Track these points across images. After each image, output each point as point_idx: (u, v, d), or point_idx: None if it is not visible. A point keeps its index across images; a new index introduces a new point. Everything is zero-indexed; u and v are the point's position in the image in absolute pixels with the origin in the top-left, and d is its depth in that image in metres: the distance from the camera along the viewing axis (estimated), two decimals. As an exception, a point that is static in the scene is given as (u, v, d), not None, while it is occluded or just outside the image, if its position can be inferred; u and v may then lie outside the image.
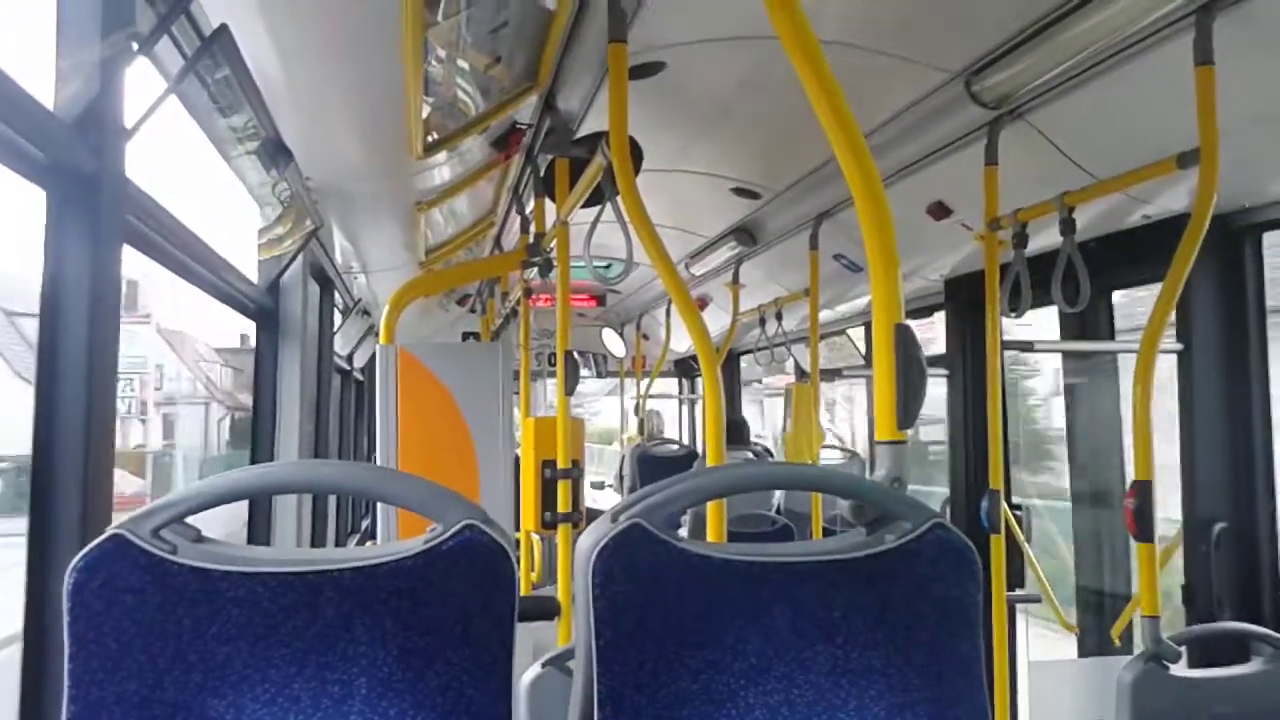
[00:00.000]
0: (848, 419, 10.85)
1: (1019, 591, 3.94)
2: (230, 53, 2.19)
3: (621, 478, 8.44)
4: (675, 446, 8.47)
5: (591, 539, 1.30)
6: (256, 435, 3.73)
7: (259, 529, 3.66)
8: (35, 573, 1.65)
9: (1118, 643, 3.64)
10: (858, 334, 6.66)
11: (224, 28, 2.09)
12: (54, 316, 1.69)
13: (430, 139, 3.06)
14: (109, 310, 1.77)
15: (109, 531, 1.18)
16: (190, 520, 1.22)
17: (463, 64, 2.80)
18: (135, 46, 1.84)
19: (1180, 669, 2.55)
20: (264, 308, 3.62)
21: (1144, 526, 2.64)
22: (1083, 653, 4.17)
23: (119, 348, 1.83)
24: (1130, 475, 2.75)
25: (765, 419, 11.50)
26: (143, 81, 1.98)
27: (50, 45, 1.73)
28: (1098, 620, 4.17)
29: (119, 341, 1.82)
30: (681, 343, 7.96)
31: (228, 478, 1.26)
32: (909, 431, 1.58)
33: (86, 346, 1.69)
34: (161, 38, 1.91)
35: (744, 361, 8.64)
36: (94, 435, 1.69)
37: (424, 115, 2.81)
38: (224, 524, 1.28)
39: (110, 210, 1.79)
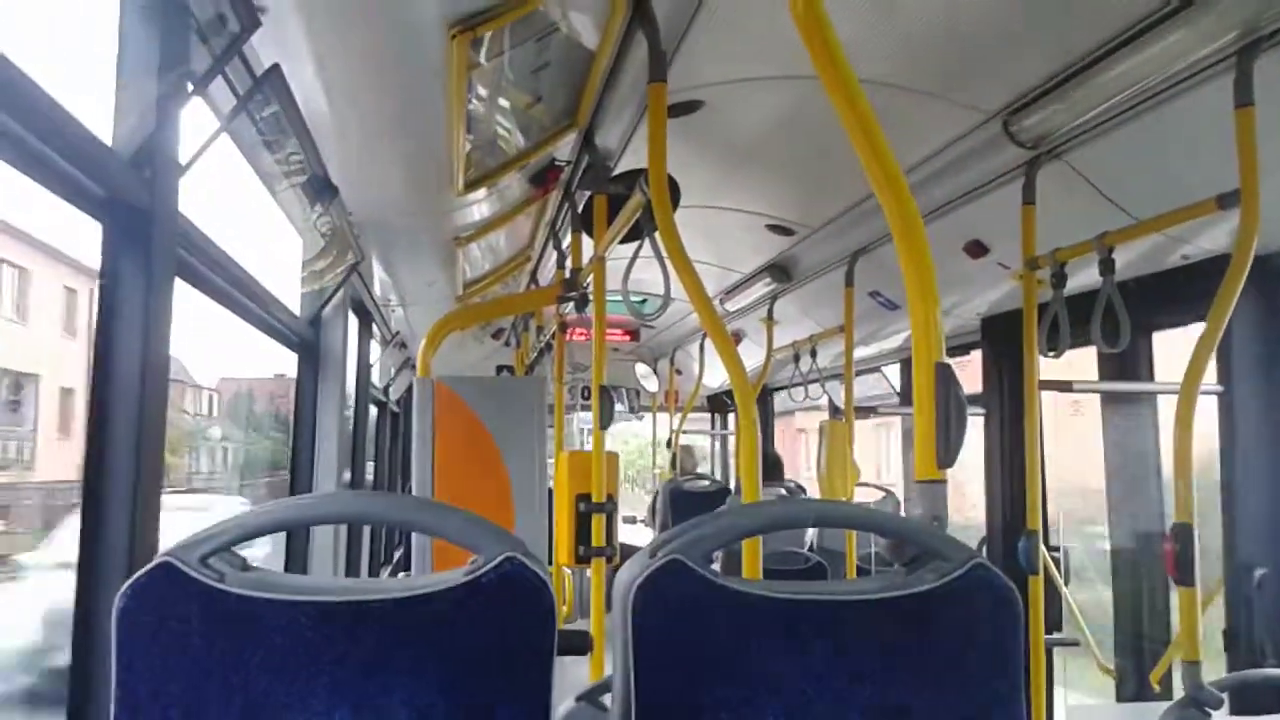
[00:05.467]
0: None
1: (1057, 635, 3.89)
2: (281, 91, 2.24)
3: (654, 512, 8.42)
4: (707, 482, 8.44)
5: (631, 573, 1.31)
6: (295, 466, 3.77)
7: (296, 558, 3.69)
8: (84, 597, 1.67)
9: (1157, 688, 3.58)
10: (891, 370, 6.63)
11: (276, 67, 2.14)
12: (107, 346, 1.73)
13: (470, 176, 3.10)
14: (161, 341, 1.80)
15: (158, 559, 1.20)
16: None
17: (504, 103, 2.85)
18: (190, 86, 1.89)
19: (1222, 716, 2.51)
20: (305, 340, 3.67)
21: (1184, 570, 2.61)
22: (1121, 698, 4.10)
23: (169, 377, 1.86)
24: (1170, 517, 2.72)
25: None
26: (195, 118, 2.03)
27: (110, 84, 1.78)
28: (1136, 664, 4.11)
29: (169, 371, 1.86)
30: (714, 378, 7.96)
31: (275, 508, 1.28)
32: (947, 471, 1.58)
33: (139, 375, 1.73)
34: (216, 77, 1.96)
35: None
36: (144, 463, 1.72)
37: (465, 152, 2.86)
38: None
39: (163, 244, 1.83)
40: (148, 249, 1.77)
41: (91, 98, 1.72)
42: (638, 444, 11.07)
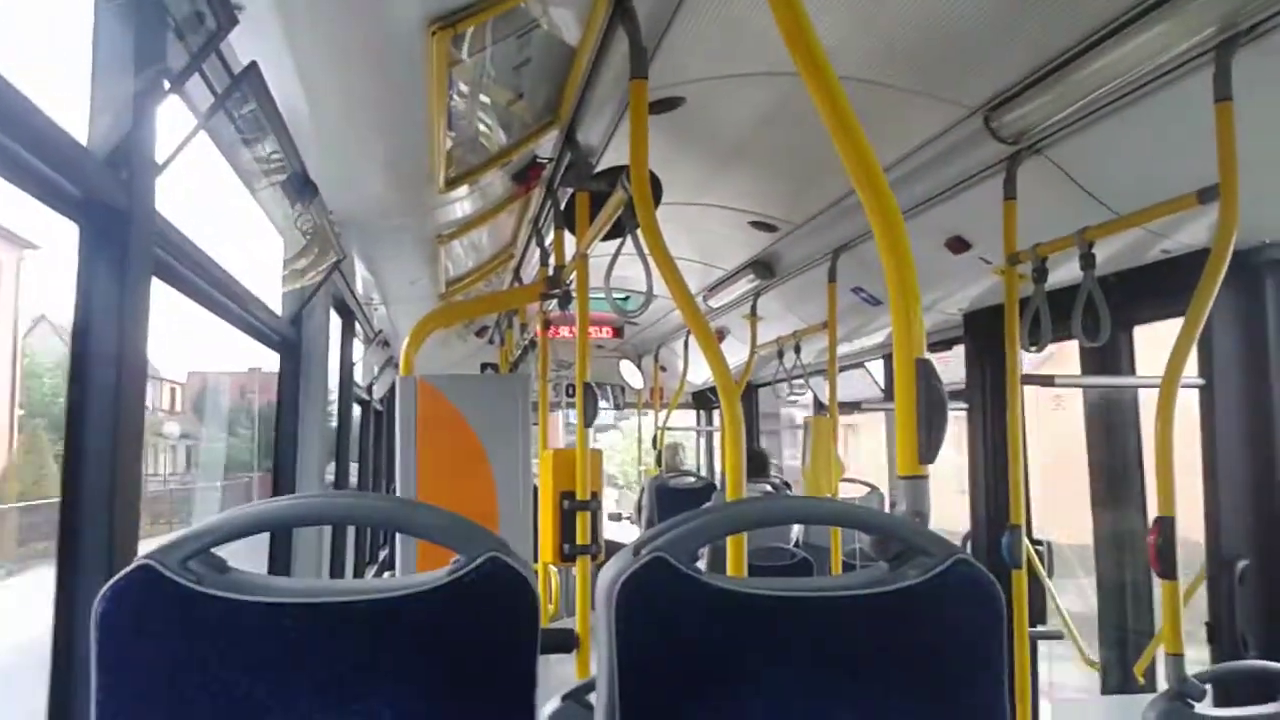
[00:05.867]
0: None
1: (1041, 627, 3.91)
2: (259, 89, 2.22)
3: (640, 509, 8.42)
4: (693, 478, 8.45)
5: (614, 572, 1.30)
6: (278, 466, 3.75)
7: (280, 559, 3.67)
8: (63, 601, 1.66)
9: (1141, 680, 3.60)
10: (875, 366, 6.65)
11: (254, 65, 2.12)
12: (84, 347, 1.71)
13: (452, 173, 3.09)
14: (137, 342, 1.79)
15: (137, 561, 1.19)
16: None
17: (485, 99, 2.84)
18: (166, 84, 1.87)
19: (1205, 707, 2.52)
20: (287, 339, 3.65)
21: (1167, 563, 2.62)
22: (1105, 690, 4.12)
23: (147, 378, 1.85)
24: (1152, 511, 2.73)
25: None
26: (172, 116, 2.02)
27: (85, 82, 1.76)
28: (1120, 657, 4.13)
29: (147, 372, 1.84)
30: (699, 374, 7.97)
31: (255, 509, 1.27)
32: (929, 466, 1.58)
33: (115, 377, 1.71)
34: (192, 75, 1.94)
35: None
36: (121, 465, 1.71)
37: (446, 150, 2.85)
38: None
39: (140, 244, 1.81)
40: (124, 250, 1.75)
41: (66, 96, 1.70)
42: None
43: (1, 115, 1.38)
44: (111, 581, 1.17)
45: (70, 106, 1.68)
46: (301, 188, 2.90)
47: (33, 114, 1.46)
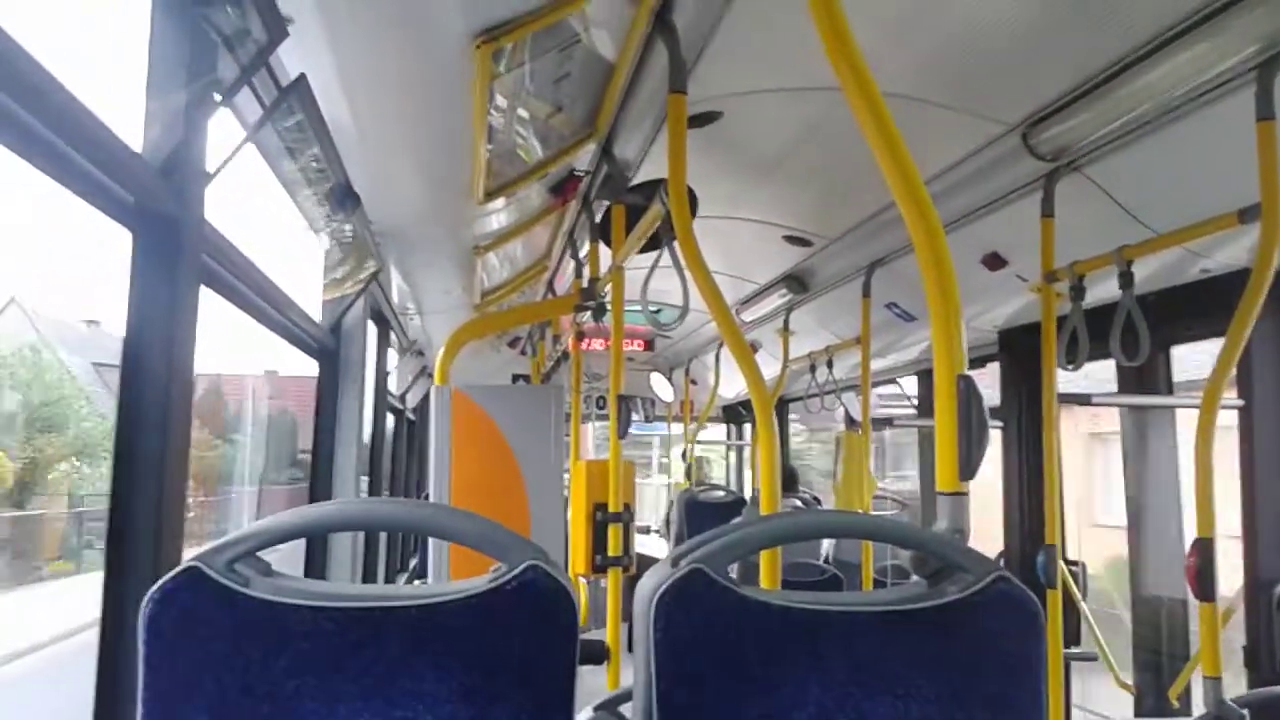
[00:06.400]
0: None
1: (1075, 649, 3.87)
2: (306, 101, 2.26)
3: (669, 523, 8.41)
4: (722, 492, 8.43)
5: (653, 582, 1.31)
6: (316, 472, 3.78)
7: (315, 564, 3.70)
8: (110, 602, 1.69)
9: (1176, 704, 3.56)
10: (908, 382, 6.62)
11: (302, 78, 2.16)
12: (134, 352, 1.75)
13: (490, 185, 3.12)
14: (186, 348, 1.82)
15: (185, 563, 1.21)
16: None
17: (524, 113, 2.87)
18: (217, 96, 1.92)
19: None
20: (326, 348, 3.69)
21: (1205, 585, 2.60)
22: (1139, 713, 4.07)
23: (194, 384, 1.88)
24: (1190, 533, 2.71)
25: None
26: (221, 126, 2.05)
27: (139, 93, 1.80)
28: (1155, 680, 4.08)
29: (194, 377, 1.88)
30: (729, 389, 7.96)
31: (297, 514, 1.29)
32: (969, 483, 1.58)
33: (165, 382, 1.74)
34: (243, 87, 1.98)
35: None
36: (169, 469, 1.74)
37: (485, 162, 2.88)
38: None
39: (190, 252, 1.85)
40: (175, 257, 1.79)
41: (121, 106, 1.73)
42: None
43: (63, 123, 1.42)
44: (160, 583, 1.19)
45: (125, 117, 1.72)
46: (344, 198, 2.94)
47: (92, 122, 1.49)
